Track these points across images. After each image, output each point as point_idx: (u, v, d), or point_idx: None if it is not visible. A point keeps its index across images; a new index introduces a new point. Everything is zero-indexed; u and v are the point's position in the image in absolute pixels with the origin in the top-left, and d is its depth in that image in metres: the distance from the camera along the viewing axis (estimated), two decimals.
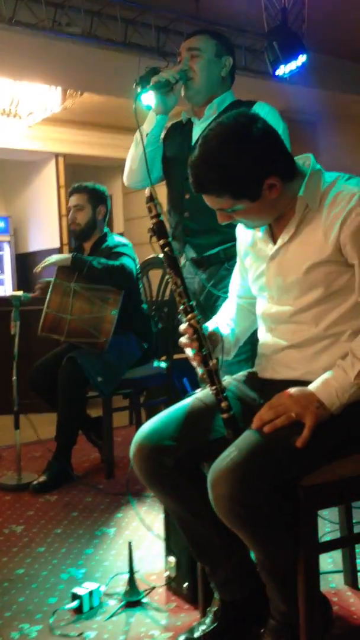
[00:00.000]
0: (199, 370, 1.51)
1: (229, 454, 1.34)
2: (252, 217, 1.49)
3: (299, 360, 1.54)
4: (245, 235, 1.67)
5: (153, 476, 1.50)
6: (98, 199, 3.16)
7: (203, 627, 1.56)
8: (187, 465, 1.49)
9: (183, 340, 1.53)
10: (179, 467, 1.47)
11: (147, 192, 1.50)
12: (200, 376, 1.51)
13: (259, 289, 1.63)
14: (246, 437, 1.38)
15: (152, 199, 1.49)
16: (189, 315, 1.50)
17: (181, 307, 1.51)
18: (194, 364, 1.53)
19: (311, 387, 1.42)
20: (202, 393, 1.62)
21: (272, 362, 1.60)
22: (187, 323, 1.50)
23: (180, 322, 1.54)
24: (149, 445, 1.48)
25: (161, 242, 1.51)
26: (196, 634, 1.55)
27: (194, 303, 1.51)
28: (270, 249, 1.56)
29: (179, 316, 1.54)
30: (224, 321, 1.72)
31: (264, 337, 1.64)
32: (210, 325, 1.64)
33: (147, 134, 2.26)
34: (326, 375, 1.42)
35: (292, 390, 1.42)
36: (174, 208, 2.29)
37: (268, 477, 1.31)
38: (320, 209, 1.47)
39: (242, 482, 1.29)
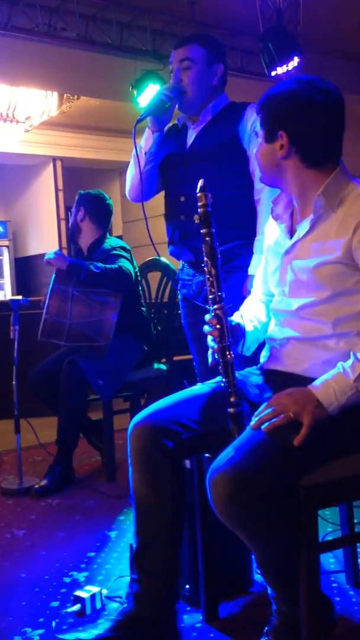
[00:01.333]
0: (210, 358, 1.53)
1: (227, 455, 1.34)
2: (259, 157, 1.58)
3: (305, 354, 1.54)
4: (272, 232, 1.69)
5: (146, 455, 1.49)
6: (79, 202, 3.27)
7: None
8: (186, 451, 1.51)
9: (206, 328, 1.54)
10: (177, 452, 1.49)
11: (200, 182, 1.55)
12: (215, 365, 1.52)
13: (275, 284, 1.64)
14: (244, 437, 1.39)
15: (203, 189, 1.54)
16: (216, 305, 1.52)
17: (210, 297, 1.54)
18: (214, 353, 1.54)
19: (311, 386, 1.42)
20: (208, 383, 1.63)
21: (278, 353, 1.62)
22: (213, 313, 1.52)
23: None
24: (149, 425, 1.49)
25: (204, 230, 1.55)
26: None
27: (223, 294, 1.53)
28: (287, 244, 1.58)
29: (207, 306, 1.56)
30: (247, 316, 1.73)
31: (273, 329, 1.65)
32: (235, 319, 1.66)
33: (145, 153, 2.27)
34: (327, 375, 1.42)
35: (291, 389, 1.42)
36: (170, 211, 2.30)
37: (266, 477, 1.31)
38: (338, 210, 1.48)
39: (240, 483, 1.29)
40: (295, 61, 4.53)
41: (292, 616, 1.43)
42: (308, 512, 1.37)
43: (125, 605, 1.58)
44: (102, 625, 1.56)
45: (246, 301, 1.81)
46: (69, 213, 3.35)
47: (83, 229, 3.23)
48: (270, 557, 1.39)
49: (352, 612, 1.73)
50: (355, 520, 1.83)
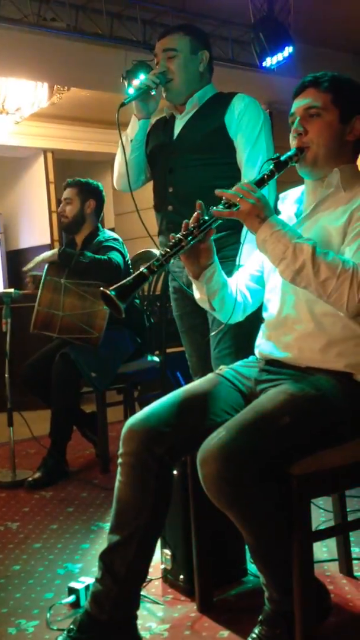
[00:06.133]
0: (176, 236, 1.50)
1: (218, 434, 1.36)
2: (323, 136, 1.55)
3: (299, 339, 1.55)
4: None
5: (136, 460, 1.49)
6: (88, 193, 3.16)
7: None
8: (177, 453, 1.51)
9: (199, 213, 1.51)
10: (169, 457, 1.49)
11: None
12: (172, 238, 1.50)
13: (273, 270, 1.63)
14: (236, 419, 1.40)
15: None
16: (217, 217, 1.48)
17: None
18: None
19: (276, 216, 1.47)
20: (197, 381, 1.63)
21: (272, 338, 1.62)
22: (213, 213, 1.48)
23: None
24: (142, 429, 1.49)
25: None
26: None
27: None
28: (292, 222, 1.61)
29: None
30: (234, 281, 1.74)
31: (272, 310, 1.64)
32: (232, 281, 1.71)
33: (131, 140, 2.25)
34: (288, 226, 1.46)
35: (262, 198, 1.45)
36: (159, 202, 2.29)
37: (256, 456, 1.32)
38: (347, 191, 1.54)
39: (230, 461, 1.30)
40: (287, 51, 4.52)
41: (283, 604, 1.44)
42: (301, 502, 1.38)
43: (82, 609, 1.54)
44: (59, 638, 1.52)
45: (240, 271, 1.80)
46: (59, 204, 3.26)
47: (87, 221, 3.16)
48: (260, 541, 1.40)
49: (345, 601, 1.74)
50: (348, 509, 1.85)
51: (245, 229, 2.10)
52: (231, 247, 2.11)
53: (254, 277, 1.76)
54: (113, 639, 1.50)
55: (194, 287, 1.69)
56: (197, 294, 1.70)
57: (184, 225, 1.50)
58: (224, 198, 1.46)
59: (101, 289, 1.43)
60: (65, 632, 1.52)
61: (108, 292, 1.39)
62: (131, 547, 1.50)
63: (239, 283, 1.74)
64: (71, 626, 1.52)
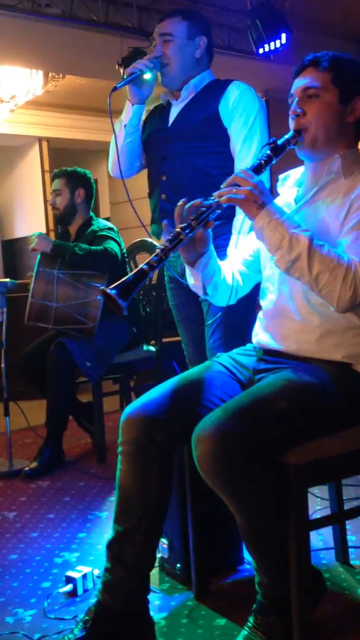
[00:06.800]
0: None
1: (214, 414, 1.36)
2: (322, 117, 1.53)
3: (297, 330, 1.55)
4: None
5: (136, 448, 1.49)
6: (76, 182, 3.14)
7: (70, 636, 1.51)
8: (176, 441, 1.51)
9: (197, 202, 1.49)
10: (169, 443, 1.48)
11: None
12: (164, 226, 1.52)
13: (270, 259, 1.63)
14: (233, 401, 1.41)
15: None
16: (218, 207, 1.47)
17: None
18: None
19: (275, 202, 1.46)
20: (194, 369, 1.63)
21: (270, 329, 1.62)
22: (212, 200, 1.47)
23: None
24: (141, 416, 1.49)
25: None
26: None
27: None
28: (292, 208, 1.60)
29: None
30: (227, 265, 1.73)
31: (269, 299, 1.64)
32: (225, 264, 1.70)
33: (125, 125, 2.22)
34: (286, 214, 1.45)
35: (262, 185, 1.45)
36: (152, 190, 2.27)
37: (251, 438, 1.32)
38: (347, 178, 1.53)
39: (225, 441, 1.30)
40: (283, 38, 4.48)
41: (273, 590, 1.44)
42: (297, 490, 1.38)
43: (94, 599, 1.55)
44: (75, 630, 1.52)
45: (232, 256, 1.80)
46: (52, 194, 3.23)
47: (78, 211, 3.16)
48: (252, 524, 1.40)
49: (341, 589, 1.75)
50: (345, 498, 1.85)
51: (235, 219, 2.10)
52: (225, 236, 2.10)
53: (247, 262, 1.75)
54: (130, 626, 1.50)
55: (187, 273, 1.69)
56: (191, 280, 1.69)
57: (176, 212, 1.48)
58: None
59: (101, 288, 1.43)
60: (80, 624, 1.51)
61: (109, 291, 1.38)
62: (138, 535, 1.50)
63: (233, 266, 1.74)
64: (85, 617, 1.51)
